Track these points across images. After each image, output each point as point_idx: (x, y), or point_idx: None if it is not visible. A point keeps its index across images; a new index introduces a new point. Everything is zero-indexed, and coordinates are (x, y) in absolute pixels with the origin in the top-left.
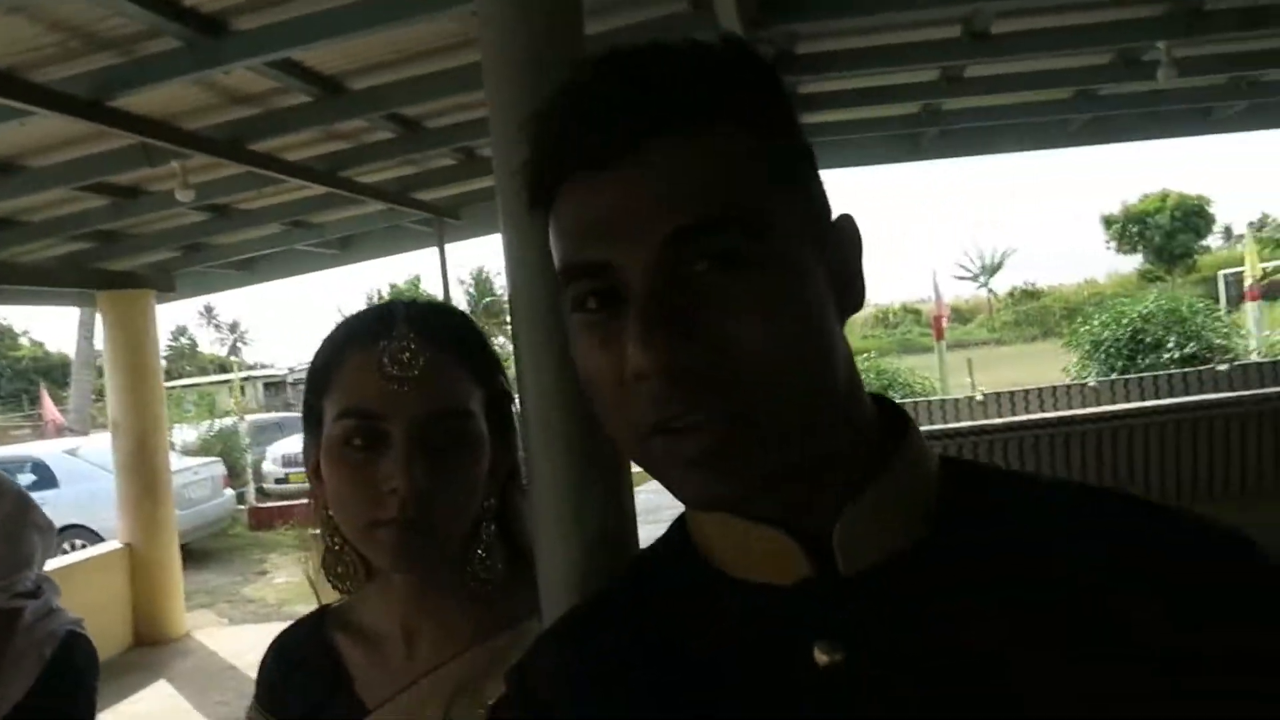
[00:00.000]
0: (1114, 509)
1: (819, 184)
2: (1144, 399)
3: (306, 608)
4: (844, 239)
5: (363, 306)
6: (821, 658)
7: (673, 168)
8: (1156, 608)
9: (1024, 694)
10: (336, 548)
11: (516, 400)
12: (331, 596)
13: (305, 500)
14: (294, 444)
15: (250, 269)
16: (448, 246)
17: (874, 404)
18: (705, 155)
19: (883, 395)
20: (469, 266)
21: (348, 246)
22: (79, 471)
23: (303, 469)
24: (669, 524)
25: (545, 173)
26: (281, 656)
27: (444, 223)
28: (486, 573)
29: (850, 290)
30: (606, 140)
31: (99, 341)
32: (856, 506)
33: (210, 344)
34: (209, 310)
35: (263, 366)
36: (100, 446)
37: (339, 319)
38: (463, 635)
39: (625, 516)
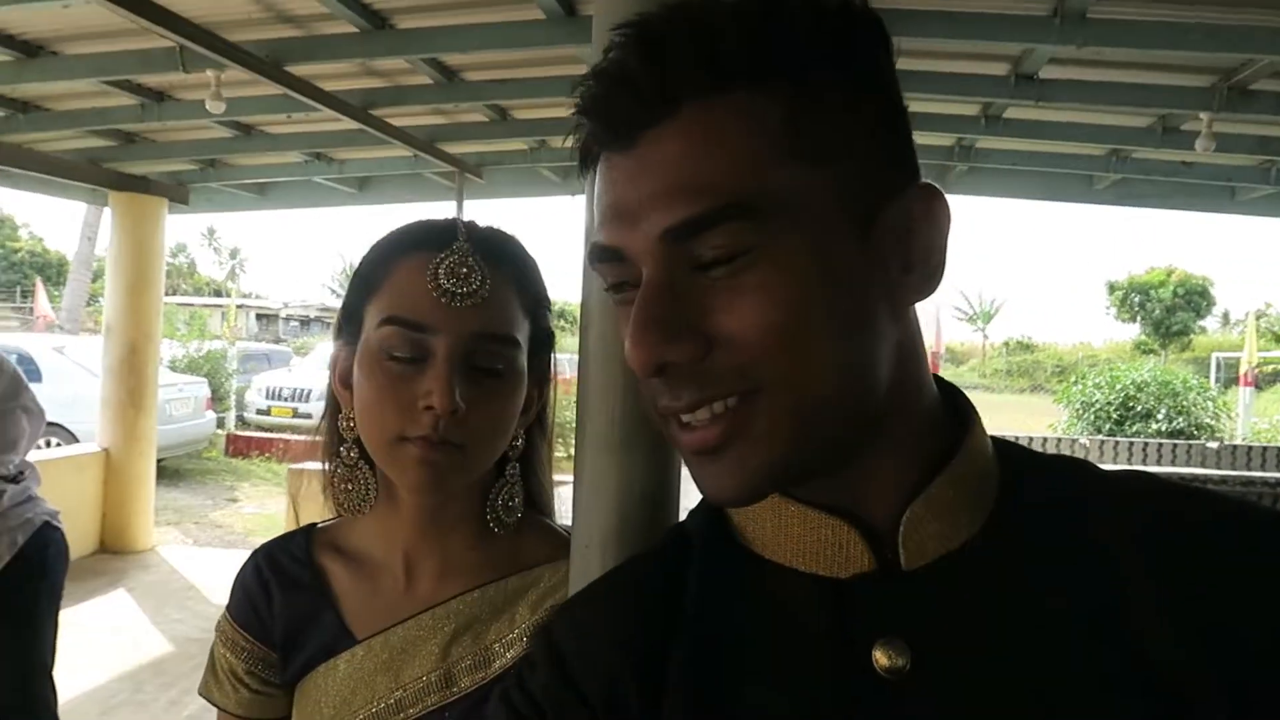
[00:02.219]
0: (1174, 500)
1: (877, 154)
2: (1132, 463)
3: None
4: (914, 213)
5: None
6: (883, 660)
7: (678, 153)
8: (1223, 601)
9: (1090, 700)
10: (351, 462)
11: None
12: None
13: (283, 435)
14: (279, 377)
15: (264, 194)
16: (466, 204)
17: (939, 392)
18: (717, 137)
19: (947, 382)
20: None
21: (365, 187)
22: (63, 370)
23: (285, 403)
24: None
25: (583, 144)
26: (262, 571)
27: (465, 178)
28: (507, 513)
29: (918, 271)
30: (621, 120)
31: (100, 245)
32: (924, 499)
33: (208, 266)
34: (211, 232)
35: (257, 297)
36: (87, 349)
37: (343, 259)
38: (467, 573)
39: (668, 483)
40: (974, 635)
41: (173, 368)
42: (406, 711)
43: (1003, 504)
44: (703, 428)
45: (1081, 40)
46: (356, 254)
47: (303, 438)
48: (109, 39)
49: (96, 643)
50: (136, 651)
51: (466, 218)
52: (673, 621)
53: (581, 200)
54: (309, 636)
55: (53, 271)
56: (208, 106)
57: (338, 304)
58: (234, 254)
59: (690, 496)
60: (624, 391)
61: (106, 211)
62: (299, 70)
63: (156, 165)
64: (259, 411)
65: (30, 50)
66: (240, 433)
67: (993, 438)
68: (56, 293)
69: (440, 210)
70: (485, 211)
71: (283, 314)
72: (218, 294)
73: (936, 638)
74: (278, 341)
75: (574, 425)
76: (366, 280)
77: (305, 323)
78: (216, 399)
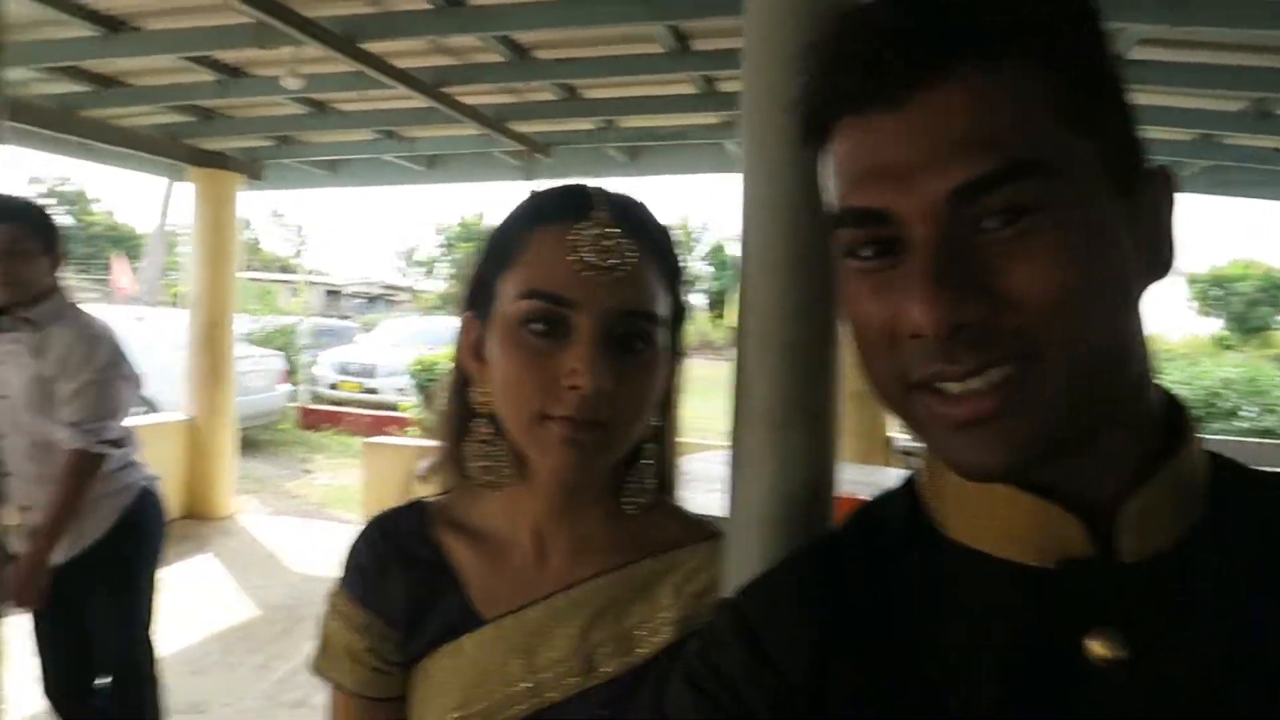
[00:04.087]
0: None
1: (1129, 129)
2: None
3: (346, 511)
4: (1156, 193)
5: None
6: (1099, 651)
7: (961, 111)
8: None
9: None
10: (486, 437)
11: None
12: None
13: (354, 409)
14: (347, 352)
15: (334, 170)
16: (532, 184)
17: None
18: (997, 97)
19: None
20: None
21: (434, 165)
22: (143, 342)
23: (353, 378)
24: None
25: (821, 107)
26: (377, 546)
27: (534, 158)
28: (640, 494)
29: (1157, 252)
30: (890, 77)
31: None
32: (1148, 489)
33: (275, 242)
34: (277, 210)
35: (321, 274)
36: (164, 321)
37: (404, 237)
38: (601, 554)
39: (827, 464)
40: (1190, 632)
41: (248, 341)
42: (544, 695)
43: (1217, 508)
44: (974, 398)
45: (1175, 19)
46: (419, 232)
47: (372, 412)
48: (189, 14)
49: (186, 605)
50: (225, 615)
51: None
52: (867, 605)
53: (644, 180)
54: (432, 615)
55: (126, 244)
56: (284, 83)
57: (401, 281)
58: (299, 230)
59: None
60: (783, 369)
61: (179, 186)
62: (373, 47)
63: (232, 141)
64: (329, 386)
65: (113, 25)
66: (313, 406)
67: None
68: (132, 264)
69: (507, 190)
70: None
71: (348, 290)
72: (283, 269)
73: (1154, 631)
74: (344, 317)
75: None
76: (501, 250)
77: (370, 299)
78: (290, 372)
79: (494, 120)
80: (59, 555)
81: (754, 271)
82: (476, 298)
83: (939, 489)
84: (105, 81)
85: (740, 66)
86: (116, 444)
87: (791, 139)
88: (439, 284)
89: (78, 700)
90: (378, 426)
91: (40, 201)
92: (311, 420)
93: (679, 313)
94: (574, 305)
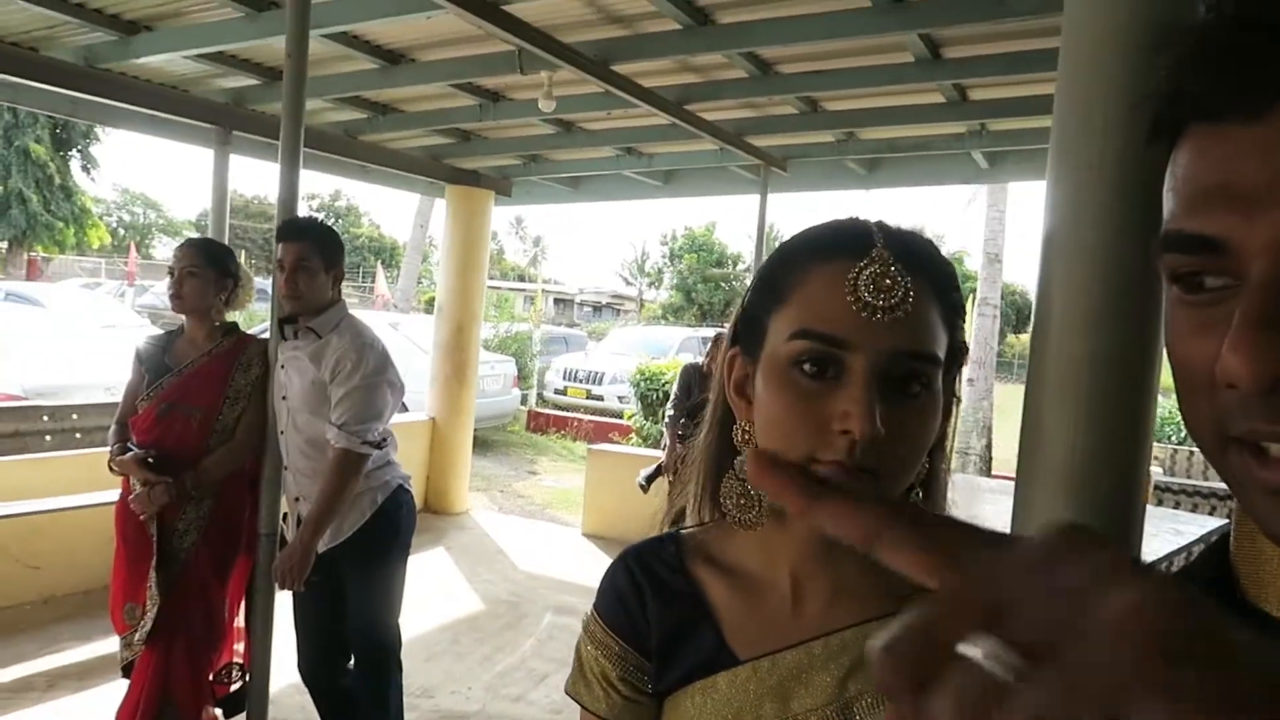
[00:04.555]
0: None
1: None
2: None
3: (568, 514)
4: None
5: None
6: None
7: None
8: None
9: None
10: (746, 476)
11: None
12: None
13: (579, 414)
14: (576, 360)
15: (576, 187)
16: (769, 198)
17: None
18: None
19: None
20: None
21: (670, 180)
22: (397, 346)
23: (580, 384)
24: None
25: (1169, 106)
26: (634, 575)
27: (770, 171)
28: None
29: None
30: (1250, 82)
31: (429, 233)
32: None
33: (514, 253)
34: (519, 221)
35: (555, 283)
36: (416, 326)
37: (634, 247)
38: (860, 602)
39: (1133, 526)
40: None
41: (485, 347)
42: None
43: None
44: None
45: None
46: (647, 243)
47: (596, 418)
48: (458, 45)
49: (421, 594)
50: (455, 605)
51: (776, 211)
52: None
53: (877, 194)
54: (686, 649)
55: (386, 255)
56: (540, 105)
57: (628, 291)
58: (536, 241)
59: None
60: (1088, 417)
61: (437, 202)
62: (622, 69)
63: (486, 161)
64: (556, 391)
65: (393, 58)
66: (540, 410)
67: None
68: (390, 274)
69: (742, 202)
70: (785, 204)
71: (578, 299)
72: (520, 279)
73: None
74: (573, 326)
75: None
76: (774, 287)
77: (598, 308)
78: (521, 377)
79: (732, 135)
80: (322, 544)
81: (1054, 305)
82: (745, 334)
83: (1254, 556)
84: (381, 109)
85: (1008, 72)
86: (378, 445)
87: (1103, 145)
88: (664, 294)
89: (328, 676)
90: (601, 432)
91: (323, 220)
92: (539, 424)
93: (956, 353)
94: (849, 346)
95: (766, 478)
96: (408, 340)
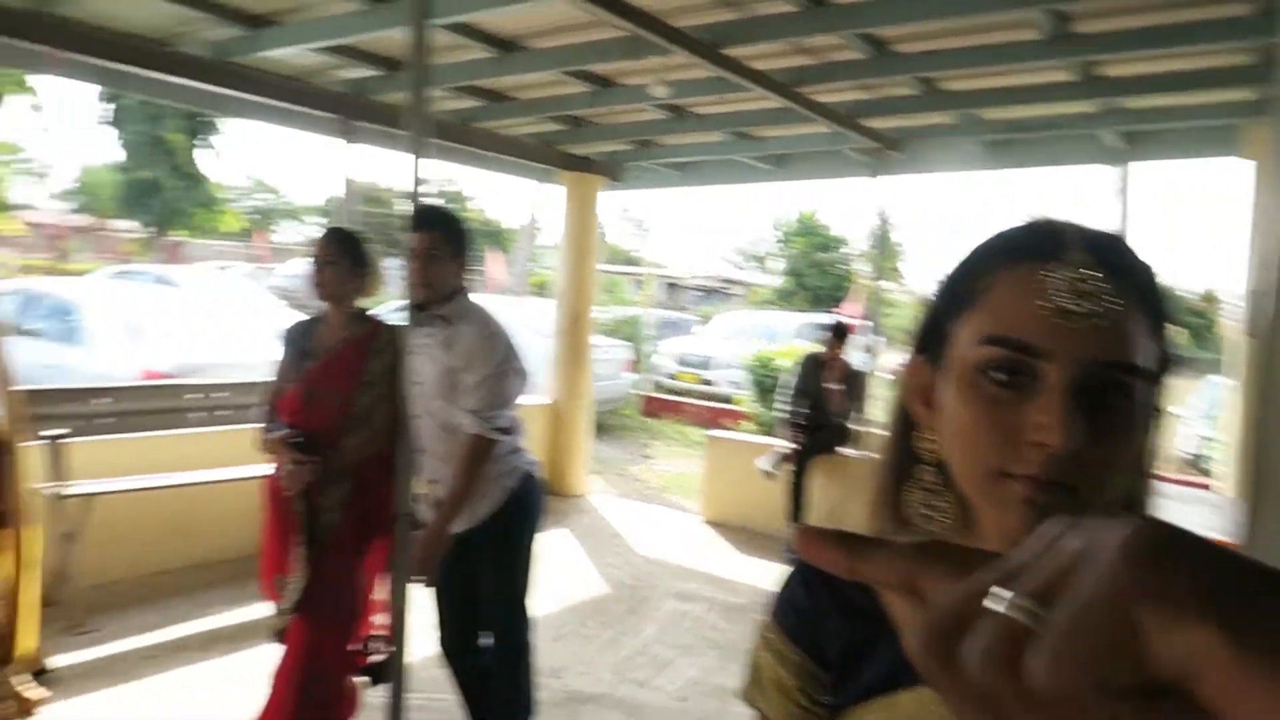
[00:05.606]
0: None
1: None
2: None
3: (684, 499)
4: None
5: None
6: None
7: None
8: None
9: None
10: (932, 486)
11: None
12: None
13: (693, 399)
14: (686, 344)
15: (686, 171)
16: (883, 180)
17: None
18: None
19: None
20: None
21: (782, 164)
22: (515, 330)
23: (691, 369)
24: None
25: None
26: (813, 585)
27: (885, 154)
28: None
29: None
30: None
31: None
32: None
33: (620, 236)
34: (625, 205)
35: (662, 266)
36: (528, 309)
37: (740, 234)
38: None
39: None
40: None
41: (598, 331)
42: None
43: None
44: None
45: None
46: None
47: (708, 403)
48: (570, 32)
49: (546, 576)
50: (580, 588)
51: (890, 194)
52: None
53: (1004, 174)
54: (867, 663)
55: (493, 239)
56: (653, 91)
57: (736, 275)
58: (641, 225)
59: None
60: None
61: (547, 188)
62: (734, 52)
63: (597, 146)
64: (668, 375)
65: (507, 46)
66: (654, 394)
67: None
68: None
69: (855, 186)
70: (899, 187)
71: (686, 283)
72: (629, 263)
73: None
74: (682, 309)
75: None
76: (961, 292)
77: (707, 292)
78: (634, 361)
79: (846, 117)
80: (457, 526)
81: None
82: (929, 340)
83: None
84: (495, 96)
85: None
86: (507, 431)
87: None
88: (773, 279)
89: (465, 653)
90: (713, 418)
91: (451, 209)
92: (652, 408)
93: (1164, 365)
94: (1043, 354)
95: (815, 551)
96: (520, 323)
